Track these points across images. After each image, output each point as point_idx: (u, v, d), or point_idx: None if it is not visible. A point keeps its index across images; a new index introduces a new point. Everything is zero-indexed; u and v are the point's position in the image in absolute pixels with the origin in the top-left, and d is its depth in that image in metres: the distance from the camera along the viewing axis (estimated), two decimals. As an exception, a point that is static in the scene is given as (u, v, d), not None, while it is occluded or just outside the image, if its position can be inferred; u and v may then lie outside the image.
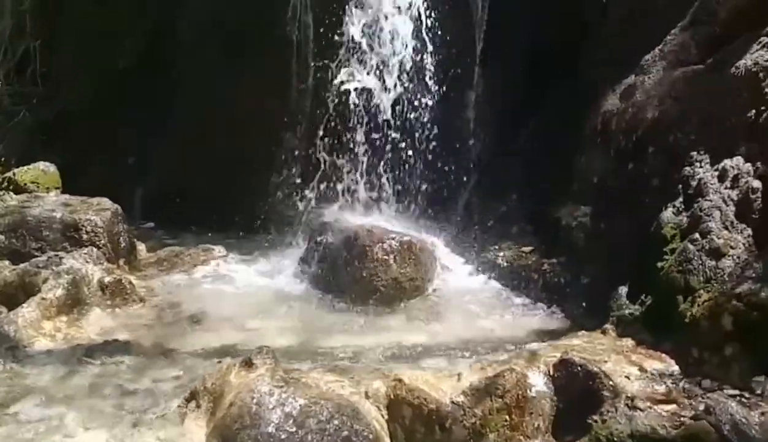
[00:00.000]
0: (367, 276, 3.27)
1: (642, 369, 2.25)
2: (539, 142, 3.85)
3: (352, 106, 3.96)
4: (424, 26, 3.95)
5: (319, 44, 4.17)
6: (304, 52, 4.26)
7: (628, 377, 2.18)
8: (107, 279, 3.15)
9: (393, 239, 3.36)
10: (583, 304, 3.01)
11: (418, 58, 3.96)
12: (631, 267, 2.77)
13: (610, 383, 2.09)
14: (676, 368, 2.27)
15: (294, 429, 1.93)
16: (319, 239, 3.59)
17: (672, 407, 2.04)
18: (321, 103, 4.11)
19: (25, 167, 4.44)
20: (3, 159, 4.65)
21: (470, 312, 3.18)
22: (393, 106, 3.98)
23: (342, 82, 3.95)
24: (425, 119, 4.02)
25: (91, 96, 5.02)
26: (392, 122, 3.99)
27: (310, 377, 2.15)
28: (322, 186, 4.09)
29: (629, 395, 2.07)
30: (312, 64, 4.23)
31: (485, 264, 3.57)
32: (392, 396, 2.10)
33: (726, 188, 2.53)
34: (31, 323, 2.79)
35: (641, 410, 2.02)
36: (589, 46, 3.62)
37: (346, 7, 3.94)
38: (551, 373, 2.17)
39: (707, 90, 2.78)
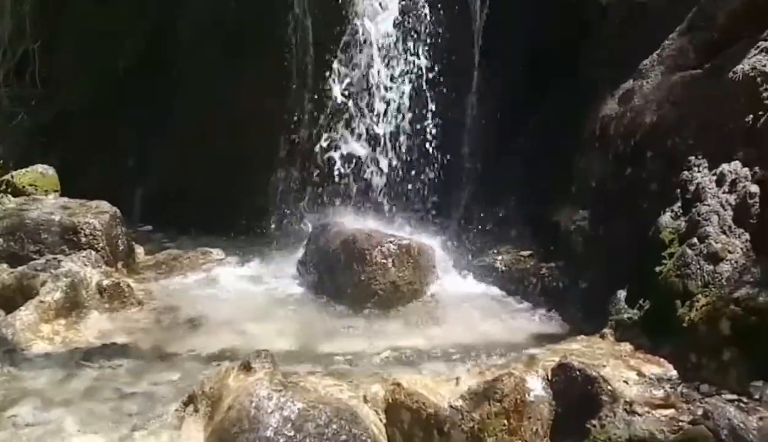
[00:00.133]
0: (366, 280, 3.27)
1: (640, 374, 2.25)
2: (538, 145, 3.86)
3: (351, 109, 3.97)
4: (423, 28, 3.96)
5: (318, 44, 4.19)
6: (303, 53, 4.27)
7: (626, 382, 2.18)
8: (105, 282, 3.15)
9: (391, 242, 3.37)
10: (582, 308, 3.02)
11: (417, 59, 3.97)
12: (629, 271, 2.77)
13: (609, 387, 2.08)
14: (674, 373, 2.27)
15: (292, 433, 1.93)
16: (317, 242, 3.60)
17: (670, 411, 2.04)
18: (320, 104, 4.12)
19: (24, 170, 4.44)
20: (1, 161, 4.65)
21: (469, 316, 3.18)
22: (392, 109, 3.99)
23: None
24: (424, 122, 4.02)
25: (91, 96, 5.02)
26: (391, 125, 4.00)
27: (308, 380, 2.14)
28: (322, 188, 4.10)
29: (628, 399, 2.07)
30: (311, 64, 4.24)
31: (484, 268, 3.58)
32: (390, 400, 2.10)
33: (724, 193, 2.54)
34: (29, 326, 2.79)
35: (639, 414, 2.02)
36: (588, 46, 3.63)
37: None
38: (550, 377, 2.17)
39: (705, 95, 2.79)
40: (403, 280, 3.31)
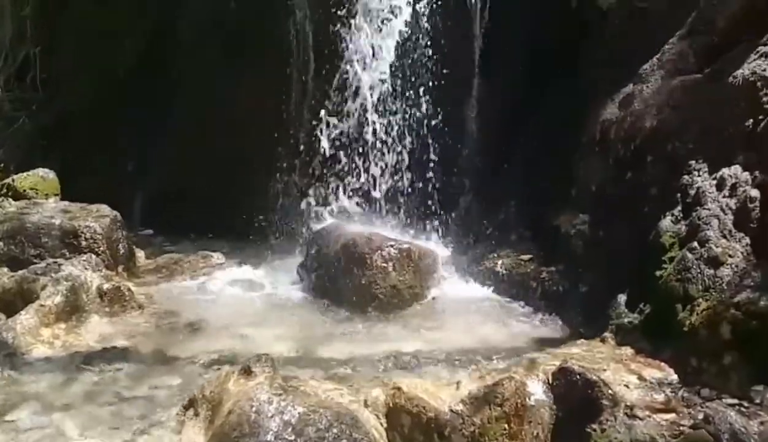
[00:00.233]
0: (366, 283, 3.27)
1: (641, 378, 2.25)
2: (538, 148, 3.86)
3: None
4: (423, 30, 3.96)
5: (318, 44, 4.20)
6: (303, 55, 4.28)
7: (627, 386, 2.18)
8: (106, 286, 3.15)
9: (392, 246, 3.37)
10: (582, 312, 3.01)
11: (417, 62, 3.98)
12: (630, 275, 2.77)
13: (609, 391, 2.08)
14: (675, 377, 2.27)
15: (293, 437, 1.92)
16: (318, 246, 3.60)
17: (671, 416, 2.04)
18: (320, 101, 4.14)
19: (24, 174, 4.44)
20: (2, 165, 4.65)
21: (469, 320, 3.18)
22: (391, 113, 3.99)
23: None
24: (424, 126, 4.03)
25: (91, 97, 5.03)
26: (391, 129, 4.00)
27: (308, 385, 2.14)
28: (322, 192, 4.10)
29: (628, 403, 2.07)
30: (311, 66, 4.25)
31: (484, 272, 3.57)
32: (391, 404, 2.10)
33: (724, 197, 2.54)
34: (29, 330, 2.79)
35: (640, 419, 2.02)
36: (588, 49, 3.63)
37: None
38: (550, 381, 2.17)
39: (705, 99, 2.80)
40: (403, 284, 3.31)
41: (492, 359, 2.66)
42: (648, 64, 3.16)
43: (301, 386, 2.12)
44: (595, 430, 2.04)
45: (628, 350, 2.47)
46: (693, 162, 2.71)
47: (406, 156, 4.04)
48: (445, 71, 4.00)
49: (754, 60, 2.66)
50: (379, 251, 3.32)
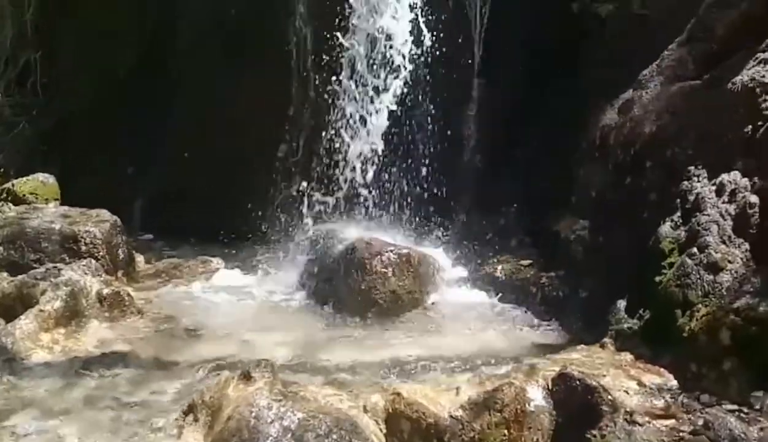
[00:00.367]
0: (366, 289, 3.27)
1: (641, 383, 2.25)
2: (538, 153, 3.87)
3: (349, 118, 3.99)
4: (423, 37, 3.97)
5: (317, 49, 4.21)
6: (303, 56, 4.29)
7: (626, 392, 2.18)
8: (105, 291, 3.15)
9: (392, 251, 3.37)
10: (582, 318, 3.02)
11: (417, 69, 3.98)
12: (629, 281, 2.77)
13: (609, 397, 2.08)
14: (674, 383, 2.27)
15: (292, 443, 1.92)
16: (317, 250, 3.60)
17: (671, 422, 2.04)
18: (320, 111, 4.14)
19: (24, 178, 4.45)
20: (2, 170, 4.66)
21: (469, 325, 3.18)
22: (392, 118, 4.00)
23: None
24: (424, 131, 4.03)
25: (91, 101, 5.04)
26: (391, 134, 4.01)
27: (308, 390, 2.14)
28: (321, 198, 4.11)
29: (628, 409, 2.07)
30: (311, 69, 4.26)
31: (484, 277, 3.58)
32: (391, 410, 2.10)
33: (724, 203, 2.54)
34: (28, 335, 2.78)
35: (640, 424, 2.02)
36: (588, 55, 3.65)
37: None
38: (550, 387, 2.16)
39: (704, 105, 2.80)
40: (403, 289, 3.31)
41: (492, 364, 2.66)
42: (647, 70, 3.17)
43: (300, 392, 2.11)
44: (594, 436, 2.04)
45: (627, 356, 2.46)
46: (692, 168, 2.72)
47: (405, 161, 4.05)
48: (444, 73, 4.01)
49: (753, 66, 2.67)
50: (379, 256, 3.32)
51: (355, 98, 3.96)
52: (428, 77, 3.99)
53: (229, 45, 4.43)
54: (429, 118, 4.05)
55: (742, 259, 2.39)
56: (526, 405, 2.11)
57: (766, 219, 2.41)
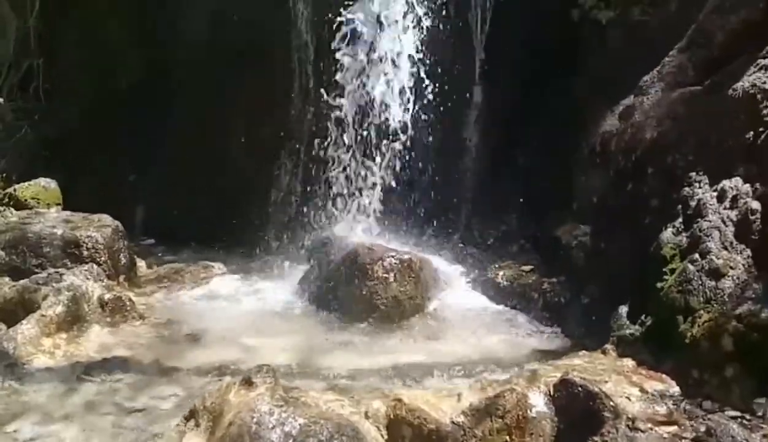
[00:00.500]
0: (367, 294, 3.27)
1: (643, 390, 2.25)
2: (538, 159, 3.87)
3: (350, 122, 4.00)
4: (424, 45, 3.99)
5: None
6: (304, 61, 4.30)
7: (628, 398, 2.18)
8: (107, 296, 3.15)
9: (393, 256, 3.37)
10: (584, 323, 3.01)
11: (418, 75, 3.99)
12: (631, 287, 2.77)
13: (611, 403, 2.08)
14: (676, 389, 2.27)
15: (294, 449, 1.92)
16: (319, 256, 3.60)
17: (673, 428, 2.04)
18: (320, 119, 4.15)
19: (26, 183, 4.45)
20: (5, 175, 4.66)
21: (470, 331, 3.18)
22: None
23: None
24: (425, 137, 4.04)
25: (93, 106, 5.04)
26: (391, 140, 4.02)
27: (309, 396, 2.14)
28: (322, 202, 4.11)
29: (630, 416, 2.06)
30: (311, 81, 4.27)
31: (485, 283, 3.58)
32: (392, 416, 2.09)
33: (725, 209, 2.54)
34: (30, 340, 2.78)
35: (642, 431, 2.01)
36: (589, 61, 3.65)
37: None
38: (552, 393, 2.16)
39: (705, 111, 2.81)
40: (404, 294, 3.31)
41: (493, 370, 2.66)
42: (648, 76, 3.18)
43: (302, 398, 2.11)
44: (596, 442, 2.03)
45: (629, 362, 2.46)
46: (693, 174, 2.72)
47: (406, 166, 4.05)
48: (445, 80, 4.02)
49: (754, 72, 2.68)
50: (381, 262, 3.32)
51: (354, 107, 3.98)
52: (428, 82, 4.00)
53: (230, 60, 4.44)
54: (429, 123, 4.05)
55: (743, 265, 2.39)
56: (528, 411, 2.10)
57: (768, 225, 2.41)
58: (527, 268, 3.54)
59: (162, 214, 4.54)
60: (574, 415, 2.10)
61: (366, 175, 3.98)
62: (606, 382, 2.25)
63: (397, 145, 3.94)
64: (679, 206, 2.71)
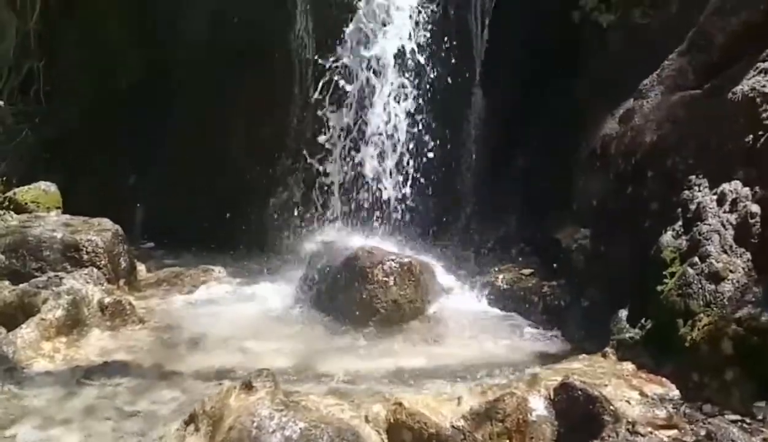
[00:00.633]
0: (367, 298, 3.27)
1: (643, 393, 2.25)
2: (538, 162, 3.87)
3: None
4: (423, 49, 3.99)
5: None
6: (304, 63, 4.31)
7: (628, 402, 2.18)
8: (107, 300, 3.15)
9: (393, 260, 3.36)
10: (584, 327, 3.01)
11: (417, 80, 4.00)
12: (631, 290, 2.77)
13: (611, 407, 2.08)
14: (676, 393, 2.27)
15: (294, 453, 1.92)
16: (319, 259, 3.60)
17: (673, 432, 2.04)
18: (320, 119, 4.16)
19: (26, 187, 4.45)
20: (5, 178, 4.66)
21: (470, 335, 3.18)
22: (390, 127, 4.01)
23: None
24: (424, 141, 4.04)
25: (94, 109, 5.05)
26: (391, 144, 4.02)
27: (310, 400, 2.14)
28: (322, 207, 4.11)
29: (630, 419, 2.07)
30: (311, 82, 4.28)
31: (485, 286, 3.57)
32: (392, 420, 2.09)
33: (725, 212, 2.55)
34: (30, 344, 2.78)
35: (642, 435, 2.01)
36: (589, 65, 3.65)
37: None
38: (552, 397, 2.16)
39: (705, 115, 2.81)
40: (404, 298, 3.30)
41: (493, 374, 2.66)
42: (648, 79, 3.19)
43: (302, 402, 2.11)
44: (597, 446, 2.03)
45: (629, 366, 2.46)
46: (693, 177, 2.72)
47: (405, 170, 4.05)
48: (446, 84, 4.03)
49: (754, 76, 2.68)
50: (380, 265, 3.32)
51: (355, 109, 3.98)
52: (428, 85, 4.01)
53: (230, 61, 4.44)
54: (429, 126, 4.06)
55: (743, 268, 2.39)
56: (528, 415, 2.10)
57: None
58: (527, 271, 3.54)
59: (162, 215, 4.54)
60: (575, 419, 2.10)
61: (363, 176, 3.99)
62: (606, 385, 2.25)
63: (399, 147, 3.95)
64: (679, 210, 2.71)
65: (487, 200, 4.07)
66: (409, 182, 4.02)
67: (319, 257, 3.60)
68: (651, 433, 2.02)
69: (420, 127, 4.03)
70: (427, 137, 4.03)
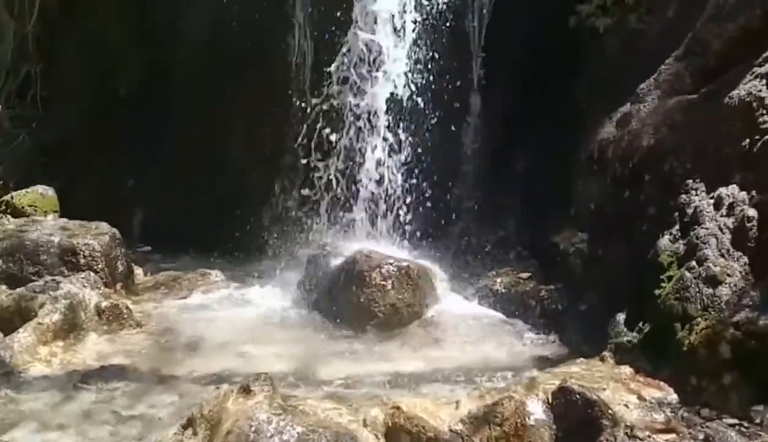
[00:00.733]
0: (365, 301, 3.27)
1: (641, 397, 2.25)
2: (536, 166, 3.88)
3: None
4: (421, 54, 4.00)
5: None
6: (303, 64, 4.31)
7: (626, 406, 2.18)
8: (104, 304, 3.15)
9: (391, 264, 3.37)
10: (581, 330, 3.02)
11: (416, 84, 4.01)
12: (628, 294, 2.77)
13: (609, 411, 2.08)
14: (674, 397, 2.27)
15: (292, 457, 1.91)
16: (317, 263, 3.60)
17: (671, 436, 2.04)
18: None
19: (24, 191, 4.45)
20: (2, 182, 4.66)
21: (468, 339, 3.18)
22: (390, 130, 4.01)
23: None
24: (424, 144, 4.05)
25: (91, 113, 5.04)
26: (391, 146, 4.02)
27: (307, 404, 2.14)
28: (321, 210, 4.11)
29: (628, 423, 2.06)
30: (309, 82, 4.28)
31: (483, 290, 3.58)
32: (390, 424, 2.09)
33: (722, 216, 2.55)
34: (26, 348, 2.78)
35: (640, 439, 2.01)
36: (586, 69, 3.66)
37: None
38: (550, 401, 2.16)
39: (702, 119, 2.82)
40: (402, 302, 3.30)
41: (491, 377, 2.66)
42: (644, 84, 3.20)
43: (300, 406, 2.11)
44: (595, 450, 2.03)
45: (627, 369, 2.47)
46: (690, 181, 2.73)
47: (404, 174, 4.06)
48: (445, 88, 4.03)
49: (750, 81, 2.69)
50: (378, 269, 3.32)
51: (356, 113, 3.99)
52: (428, 87, 4.02)
53: (229, 66, 4.44)
54: (428, 128, 4.06)
55: (740, 272, 2.40)
56: (526, 419, 2.10)
57: (765, 232, 2.42)
58: (525, 275, 3.54)
59: (161, 215, 4.54)
60: (573, 423, 2.10)
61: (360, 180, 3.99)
62: (604, 389, 2.25)
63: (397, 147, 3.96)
64: (676, 214, 2.72)
65: (487, 199, 4.07)
66: (408, 183, 4.02)
67: (318, 260, 3.60)
68: (649, 437, 2.02)
69: (419, 128, 4.04)
70: (427, 137, 4.03)
